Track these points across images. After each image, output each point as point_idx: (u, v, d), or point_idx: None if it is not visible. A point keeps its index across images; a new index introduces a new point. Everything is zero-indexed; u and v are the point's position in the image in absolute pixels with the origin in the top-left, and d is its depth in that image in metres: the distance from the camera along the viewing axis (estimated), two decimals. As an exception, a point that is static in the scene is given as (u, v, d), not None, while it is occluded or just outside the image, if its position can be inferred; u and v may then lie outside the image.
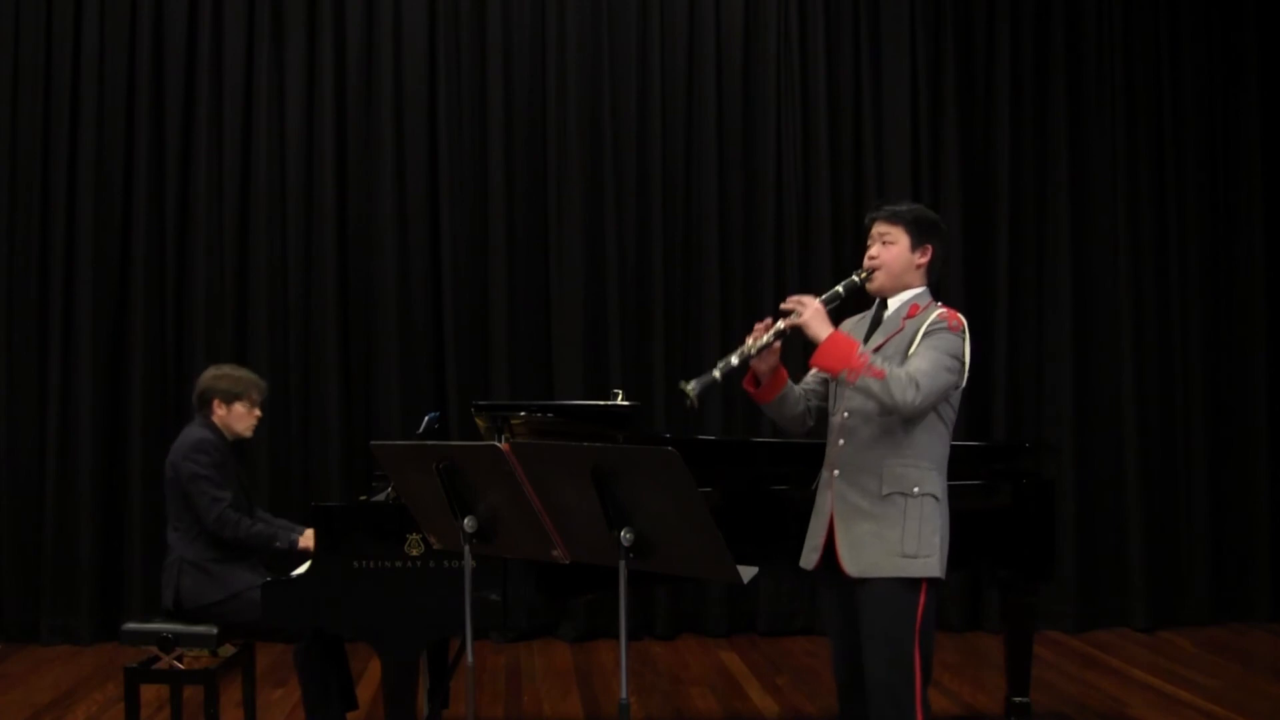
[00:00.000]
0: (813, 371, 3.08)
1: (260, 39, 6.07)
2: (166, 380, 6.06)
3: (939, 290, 6.07)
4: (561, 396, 5.95)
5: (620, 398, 4.20)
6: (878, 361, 2.84)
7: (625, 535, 2.49)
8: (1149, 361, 6.33)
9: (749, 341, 2.91)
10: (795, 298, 2.93)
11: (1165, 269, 6.37)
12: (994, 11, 6.32)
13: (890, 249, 3.02)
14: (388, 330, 6.06)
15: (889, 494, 2.90)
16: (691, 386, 2.82)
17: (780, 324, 2.91)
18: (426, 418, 4.36)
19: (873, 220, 3.08)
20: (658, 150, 6.17)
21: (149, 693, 4.37)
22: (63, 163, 6.00)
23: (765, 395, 3.06)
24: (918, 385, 2.81)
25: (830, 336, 2.86)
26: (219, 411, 4.21)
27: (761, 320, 2.98)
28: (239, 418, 4.22)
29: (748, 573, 2.64)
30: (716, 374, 2.84)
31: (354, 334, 6.13)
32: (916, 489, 2.90)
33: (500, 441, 3.45)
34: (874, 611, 2.89)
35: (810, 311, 2.88)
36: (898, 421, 2.90)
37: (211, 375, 4.28)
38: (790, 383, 3.09)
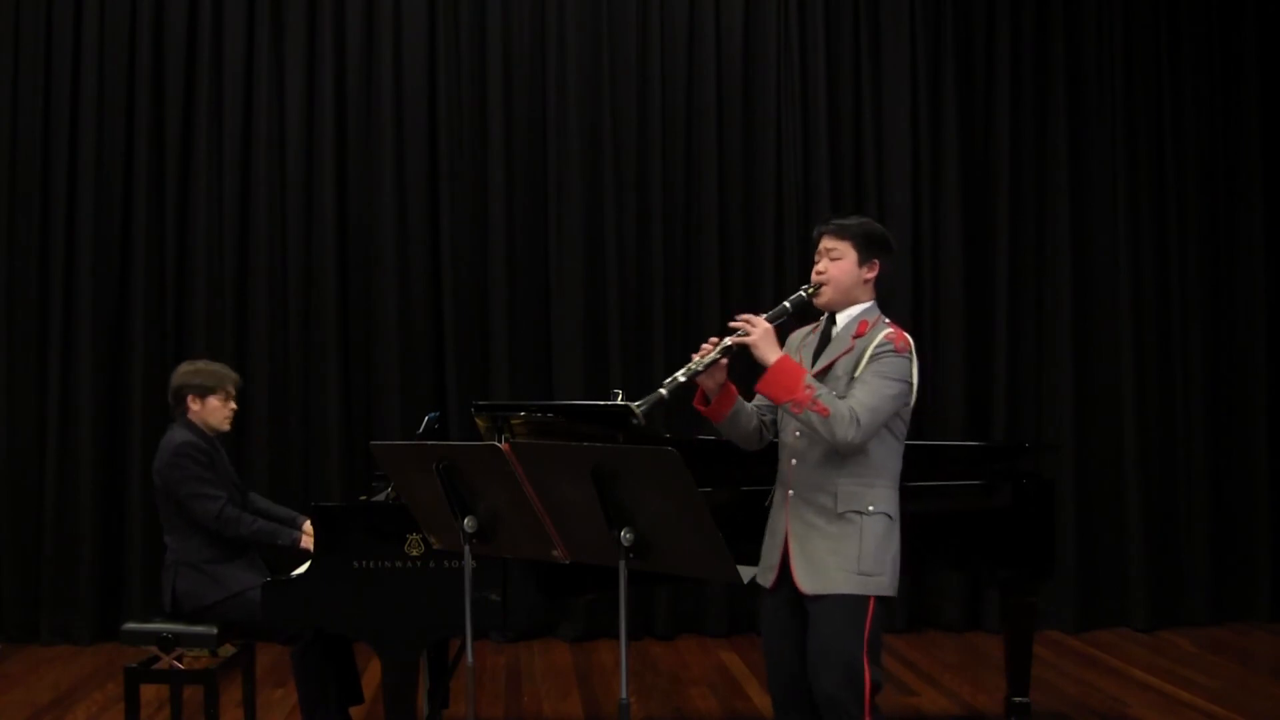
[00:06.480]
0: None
1: (260, 39, 6.07)
2: (166, 380, 6.03)
3: (935, 294, 6.19)
4: (561, 396, 5.95)
5: (620, 398, 4.20)
6: (823, 395, 2.82)
7: (625, 535, 2.50)
8: (1149, 362, 6.33)
9: (696, 359, 2.89)
10: (744, 316, 2.91)
11: (1165, 269, 6.37)
12: (994, 11, 6.32)
13: (838, 264, 3.01)
14: (388, 330, 6.06)
15: (844, 512, 2.91)
16: (639, 405, 2.78)
17: (728, 341, 2.88)
18: (426, 418, 4.36)
19: (820, 234, 3.06)
20: (658, 150, 6.17)
21: (149, 693, 4.37)
22: (63, 162, 6.00)
23: (716, 414, 3.03)
24: (859, 422, 2.81)
25: (777, 363, 2.84)
26: (194, 407, 4.18)
27: (710, 338, 2.95)
28: (213, 411, 4.19)
29: (748, 573, 2.66)
30: (663, 391, 2.80)
31: (354, 334, 6.13)
32: (871, 507, 2.92)
33: (500, 441, 3.45)
34: (825, 628, 2.89)
35: (759, 332, 2.86)
36: None
37: (184, 371, 4.25)
38: (740, 400, 3.07)
